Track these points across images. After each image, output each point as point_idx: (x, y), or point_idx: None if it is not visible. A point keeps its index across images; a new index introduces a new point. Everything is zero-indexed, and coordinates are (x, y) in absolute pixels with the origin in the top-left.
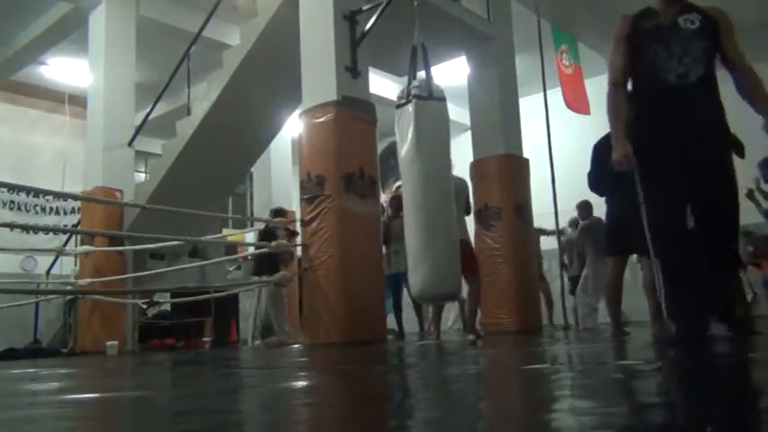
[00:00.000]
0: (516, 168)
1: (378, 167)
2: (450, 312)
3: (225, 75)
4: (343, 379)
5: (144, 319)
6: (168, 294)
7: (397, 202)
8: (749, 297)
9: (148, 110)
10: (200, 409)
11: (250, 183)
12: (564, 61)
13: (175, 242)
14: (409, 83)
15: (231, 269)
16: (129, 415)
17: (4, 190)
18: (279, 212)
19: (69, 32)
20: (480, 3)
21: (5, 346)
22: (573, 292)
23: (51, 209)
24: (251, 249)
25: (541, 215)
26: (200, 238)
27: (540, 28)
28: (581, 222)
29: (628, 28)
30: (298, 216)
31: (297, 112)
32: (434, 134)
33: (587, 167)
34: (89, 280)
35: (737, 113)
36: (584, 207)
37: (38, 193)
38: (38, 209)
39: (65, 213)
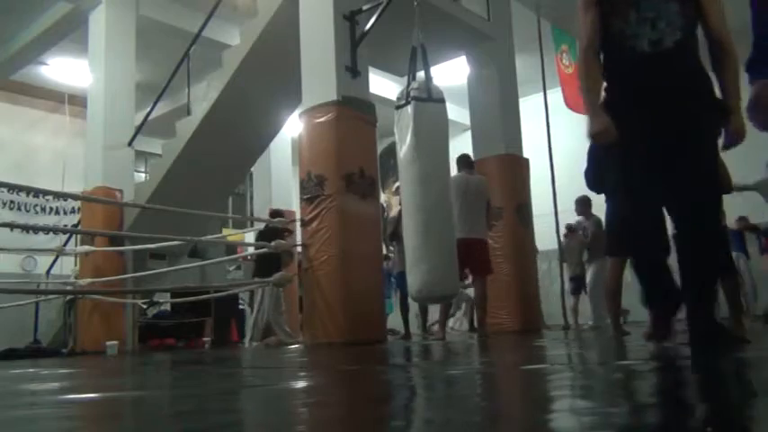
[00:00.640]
0: (516, 168)
1: (378, 167)
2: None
3: (225, 75)
4: (342, 379)
5: (144, 319)
6: (168, 294)
7: None
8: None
9: (148, 110)
10: (200, 410)
11: (250, 183)
12: (564, 61)
13: (175, 242)
14: (408, 84)
15: (231, 269)
16: (129, 415)
17: (5, 190)
18: (276, 214)
19: (69, 32)
20: (480, 3)
21: (5, 346)
22: (573, 291)
23: (51, 209)
24: (251, 249)
25: (541, 215)
26: (200, 238)
27: (539, 28)
28: (587, 220)
29: None
30: (298, 216)
31: (297, 112)
32: (433, 135)
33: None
34: (89, 280)
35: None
36: (583, 203)
37: (38, 193)
38: (38, 209)
39: (65, 213)
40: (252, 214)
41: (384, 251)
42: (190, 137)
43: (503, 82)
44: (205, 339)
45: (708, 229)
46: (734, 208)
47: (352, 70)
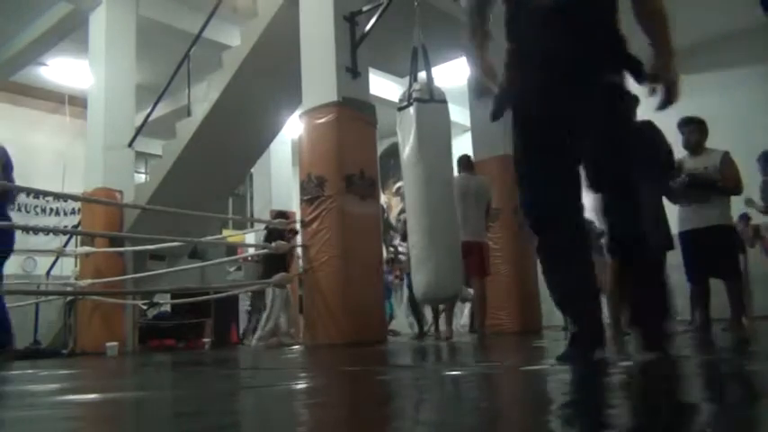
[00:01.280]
0: None
1: (378, 168)
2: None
3: (225, 75)
4: (343, 380)
5: (144, 320)
6: (168, 295)
7: None
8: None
9: (149, 111)
10: (200, 410)
11: (250, 184)
12: None
13: (175, 243)
14: (410, 85)
15: (231, 270)
16: (129, 416)
17: None
18: (280, 215)
19: (69, 33)
20: None
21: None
22: None
23: (51, 210)
24: (251, 250)
25: None
26: (200, 239)
27: None
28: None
29: None
30: (298, 217)
31: (297, 113)
32: (436, 136)
33: None
34: (89, 281)
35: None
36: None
37: (38, 193)
38: (38, 210)
39: (65, 214)
40: (252, 215)
41: (384, 253)
42: (190, 138)
43: None
44: (205, 340)
45: (627, 204)
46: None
47: (353, 71)
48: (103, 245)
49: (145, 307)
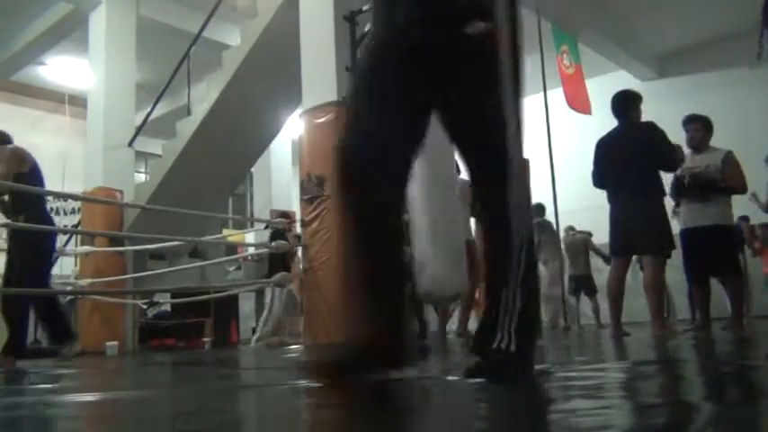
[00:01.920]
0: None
1: None
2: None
3: (225, 75)
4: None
5: (144, 320)
6: (168, 295)
7: None
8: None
9: (149, 110)
10: (200, 410)
11: (250, 183)
12: (565, 61)
13: (175, 242)
14: None
15: (231, 269)
16: (128, 415)
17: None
18: (284, 215)
19: (69, 33)
20: None
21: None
22: (573, 292)
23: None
24: (251, 250)
25: None
26: (200, 238)
27: (540, 27)
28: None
29: None
30: (298, 217)
31: (297, 113)
32: (437, 135)
33: (588, 167)
34: (89, 280)
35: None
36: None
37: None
38: None
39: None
40: (252, 215)
41: None
42: (190, 137)
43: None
44: (205, 340)
45: (496, 204)
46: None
47: (353, 71)
48: (103, 244)
49: (145, 306)
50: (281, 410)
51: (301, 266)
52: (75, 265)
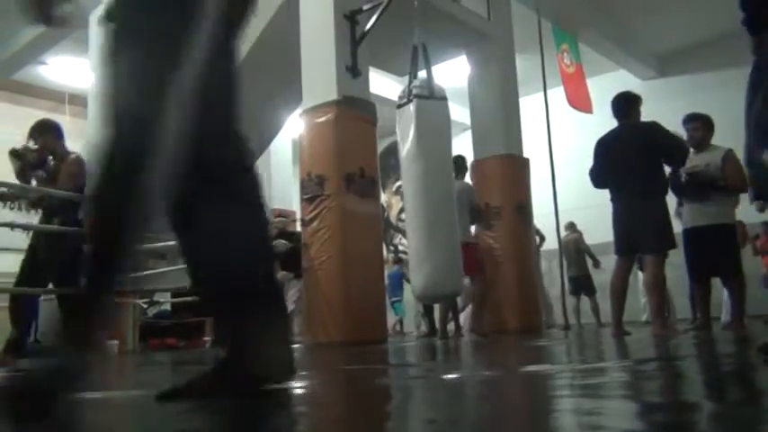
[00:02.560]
0: (516, 168)
1: (378, 167)
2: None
3: None
4: (343, 378)
5: (144, 319)
6: (169, 294)
7: None
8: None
9: None
10: (201, 409)
11: None
12: (565, 60)
13: (176, 241)
14: (410, 82)
15: None
16: (130, 414)
17: (5, 190)
18: (281, 215)
19: (70, 32)
20: (480, 2)
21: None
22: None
23: None
24: None
25: (541, 215)
26: None
27: (540, 27)
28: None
29: None
30: (298, 216)
31: (297, 112)
32: (435, 133)
33: (588, 167)
34: None
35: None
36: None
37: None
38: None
39: None
40: None
41: (384, 252)
42: None
43: (503, 81)
44: (205, 339)
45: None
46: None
47: (353, 70)
48: None
49: (145, 306)
50: (280, 409)
51: None
52: None
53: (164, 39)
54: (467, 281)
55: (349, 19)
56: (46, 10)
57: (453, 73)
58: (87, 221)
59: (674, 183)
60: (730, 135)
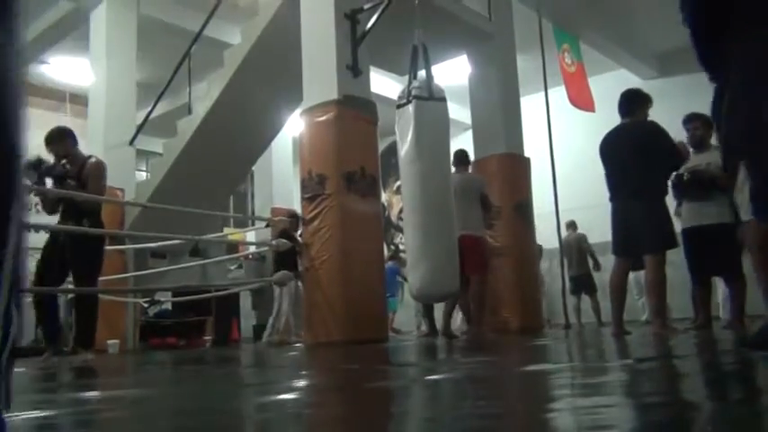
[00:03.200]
0: (517, 167)
1: (379, 166)
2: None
3: (226, 74)
4: (343, 378)
5: (145, 318)
6: (169, 293)
7: None
8: None
9: (149, 109)
10: (201, 408)
11: (251, 182)
12: (566, 60)
13: (176, 241)
14: (410, 83)
15: (232, 268)
16: (129, 413)
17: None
18: (292, 215)
19: (70, 31)
20: (481, 1)
21: None
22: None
23: None
24: (252, 248)
25: (542, 214)
26: (201, 236)
27: (541, 26)
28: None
29: None
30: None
31: (298, 111)
32: (434, 134)
33: (588, 166)
34: None
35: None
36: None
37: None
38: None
39: None
40: (253, 213)
41: (385, 252)
42: (191, 136)
43: (504, 81)
44: (206, 338)
45: None
46: None
47: (353, 69)
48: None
49: (146, 305)
50: (281, 409)
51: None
52: None
53: None
54: None
55: (349, 18)
56: None
57: (454, 72)
58: None
59: (675, 183)
60: None
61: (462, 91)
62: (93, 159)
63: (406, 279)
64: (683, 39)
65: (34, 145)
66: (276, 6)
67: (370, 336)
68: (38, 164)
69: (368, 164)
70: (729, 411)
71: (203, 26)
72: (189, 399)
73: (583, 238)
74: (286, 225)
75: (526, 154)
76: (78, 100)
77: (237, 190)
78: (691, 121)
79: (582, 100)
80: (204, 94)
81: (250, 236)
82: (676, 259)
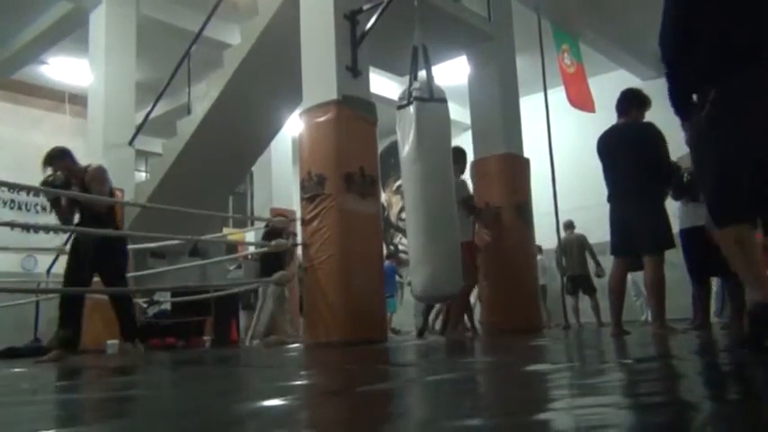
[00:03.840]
0: (516, 168)
1: (378, 167)
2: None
3: (225, 74)
4: (342, 378)
5: (144, 318)
6: (168, 293)
7: None
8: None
9: (149, 109)
10: (201, 408)
11: (250, 182)
12: (566, 60)
13: (176, 241)
14: (410, 83)
15: (231, 268)
16: (129, 414)
17: (5, 189)
18: (281, 215)
19: (70, 32)
20: (481, 2)
21: (6, 345)
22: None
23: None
24: (251, 249)
25: (541, 215)
26: (200, 237)
27: (540, 27)
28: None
29: None
30: (298, 215)
31: (297, 112)
32: (435, 135)
33: (588, 167)
34: None
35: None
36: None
37: (38, 192)
38: (38, 208)
39: None
40: (252, 213)
41: (385, 251)
42: (190, 136)
43: (503, 81)
44: (205, 338)
45: None
46: None
47: (353, 70)
48: None
49: (145, 305)
50: (281, 409)
51: (300, 265)
52: None
53: None
54: None
55: (349, 19)
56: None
57: (453, 73)
58: None
59: (675, 183)
60: None
61: (462, 91)
62: (91, 166)
63: (402, 277)
64: None
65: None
66: (276, 6)
67: (369, 336)
68: (52, 183)
69: (367, 164)
70: (729, 412)
71: (203, 26)
72: (191, 399)
73: (583, 239)
74: (285, 224)
75: (525, 154)
76: (78, 100)
77: (237, 190)
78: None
79: (581, 100)
80: (203, 95)
81: (249, 236)
82: (675, 260)
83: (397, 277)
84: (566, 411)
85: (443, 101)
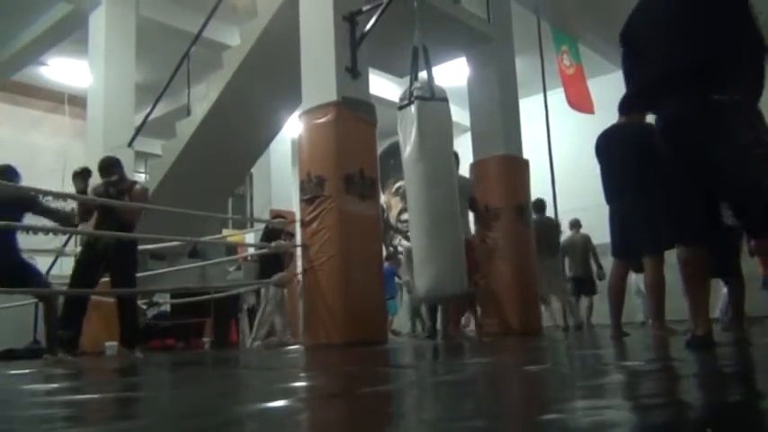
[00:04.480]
0: (516, 169)
1: (378, 168)
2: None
3: (225, 75)
4: (342, 379)
5: (144, 320)
6: (168, 295)
7: None
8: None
9: (148, 110)
10: (201, 409)
11: (250, 183)
12: (565, 62)
13: (175, 242)
14: (411, 84)
15: (231, 270)
16: (128, 415)
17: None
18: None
19: (69, 33)
20: (480, 4)
21: (5, 347)
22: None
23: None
24: (251, 250)
25: None
26: (200, 238)
27: (539, 28)
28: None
29: None
30: (298, 217)
31: (297, 113)
32: (437, 135)
33: (587, 168)
34: None
35: None
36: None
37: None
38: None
39: None
40: (252, 215)
41: (384, 252)
42: (190, 137)
43: (503, 83)
44: (205, 340)
45: None
46: None
47: (352, 71)
48: None
49: (144, 307)
50: (280, 410)
51: (300, 267)
52: None
53: None
54: None
55: (348, 20)
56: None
57: (453, 74)
58: None
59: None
60: None
61: (461, 93)
62: (138, 186)
63: (400, 278)
64: None
65: (33, 146)
66: (275, 8)
67: (369, 337)
68: (86, 174)
69: (367, 166)
70: (728, 412)
71: (202, 27)
72: (191, 400)
73: (588, 240)
74: (285, 225)
75: (525, 156)
76: (77, 101)
77: (236, 191)
78: None
79: (581, 102)
80: (203, 96)
81: (249, 237)
82: (675, 261)
83: (396, 279)
84: (565, 411)
85: (445, 100)
